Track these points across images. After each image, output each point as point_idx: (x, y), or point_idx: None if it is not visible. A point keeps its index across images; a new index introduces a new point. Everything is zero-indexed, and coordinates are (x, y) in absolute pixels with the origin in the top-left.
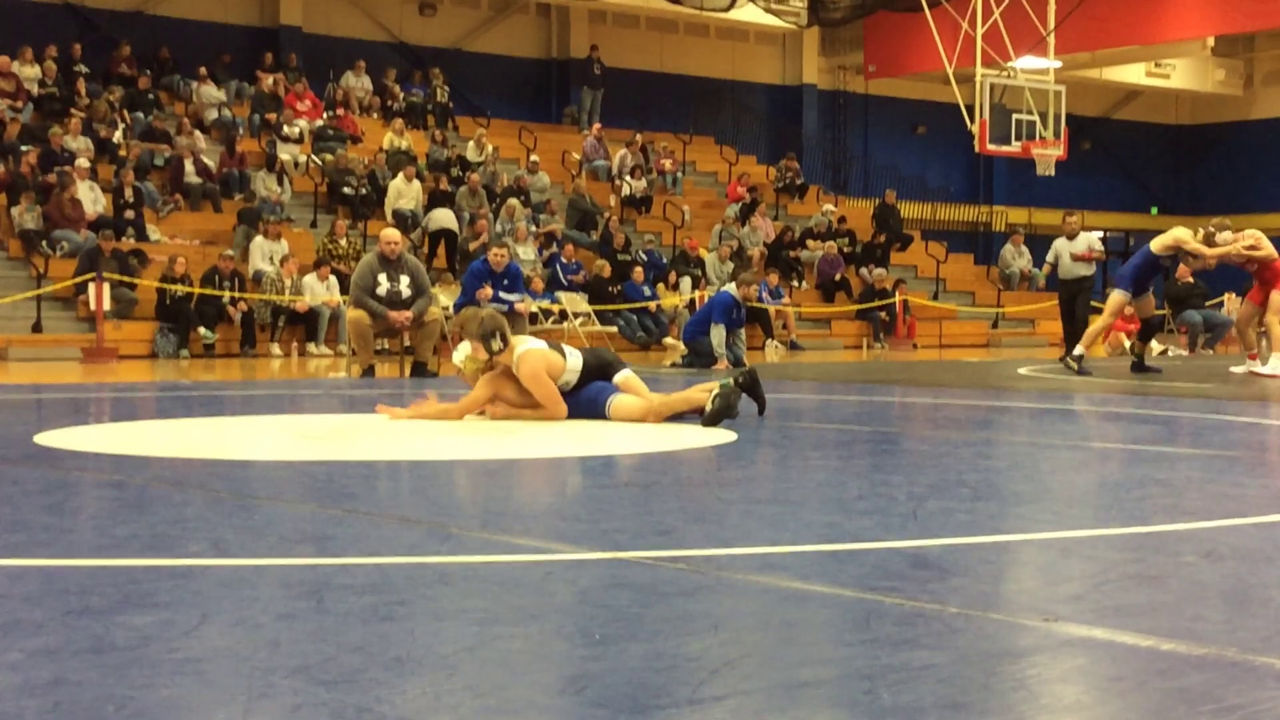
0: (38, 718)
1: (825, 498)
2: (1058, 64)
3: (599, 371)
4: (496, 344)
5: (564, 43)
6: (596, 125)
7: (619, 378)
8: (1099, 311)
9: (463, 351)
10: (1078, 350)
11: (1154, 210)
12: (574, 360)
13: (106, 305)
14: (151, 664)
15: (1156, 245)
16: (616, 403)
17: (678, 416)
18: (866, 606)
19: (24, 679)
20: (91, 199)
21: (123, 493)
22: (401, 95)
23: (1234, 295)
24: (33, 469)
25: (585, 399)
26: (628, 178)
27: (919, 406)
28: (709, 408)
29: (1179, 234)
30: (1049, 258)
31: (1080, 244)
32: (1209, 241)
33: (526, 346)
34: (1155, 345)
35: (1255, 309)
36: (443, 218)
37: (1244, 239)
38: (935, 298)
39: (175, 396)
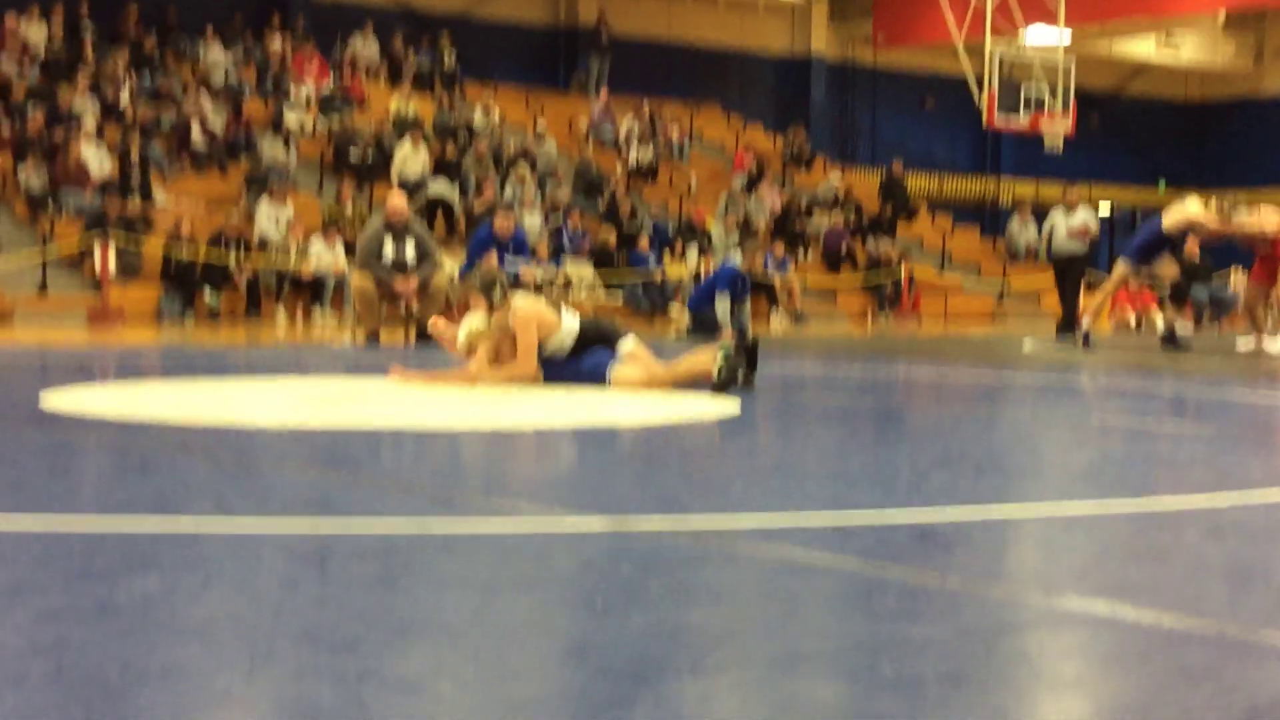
0: (42, 680)
1: (828, 470)
2: (1067, 37)
3: (599, 339)
4: (498, 294)
5: (572, 10)
6: (604, 93)
7: (624, 346)
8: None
9: (465, 328)
10: (1085, 323)
11: (1162, 185)
12: (570, 322)
13: (112, 267)
14: (155, 627)
15: (1168, 222)
16: (619, 371)
17: (684, 385)
18: (869, 579)
19: (28, 641)
20: (98, 161)
21: (126, 457)
22: (410, 59)
23: (1240, 269)
24: (37, 430)
25: (587, 367)
26: (635, 146)
27: (923, 380)
28: (716, 376)
29: (1191, 211)
30: (1044, 230)
31: (1078, 219)
32: (1223, 214)
33: (521, 298)
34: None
35: (1260, 287)
36: (440, 187)
37: (1268, 221)
38: (941, 271)
39: (180, 360)
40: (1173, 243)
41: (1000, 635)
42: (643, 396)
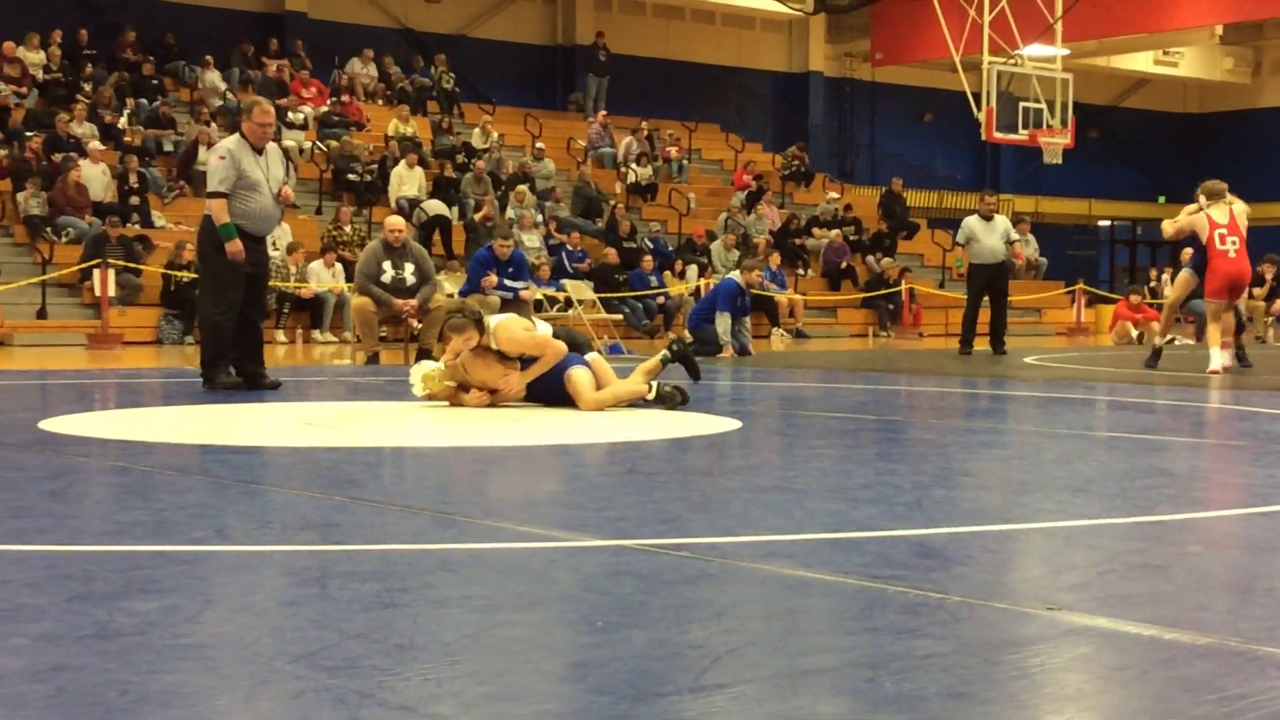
0: (41, 703)
1: (829, 486)
2: (1065, 52)
3: (569, 345)
4: (487, 322)
5: (570, 29)
6: (602, 112)
7: (589, 357)
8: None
9: (418, 374)
10: (1158, 341)
11: (1161, 199)
12: (542, 328)
13: (111, 291)
14: (155, 650)
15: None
16: (573, 371)
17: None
18: (870, 595)
19: (27, 664)
20: (96, 185)
21: (126, 479)
22: (407, 81)
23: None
24: (37, 455)
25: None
26: (633, 165)
27: (924, 395)
28: (651, 396)
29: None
30: (959, 238)
31: (999, 228)
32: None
33: (497, 320)
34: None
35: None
36: (436, 206)
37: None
38: (941, 286)
39: (180, 383)
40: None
41: (1001, 650)
42: (646, 415)
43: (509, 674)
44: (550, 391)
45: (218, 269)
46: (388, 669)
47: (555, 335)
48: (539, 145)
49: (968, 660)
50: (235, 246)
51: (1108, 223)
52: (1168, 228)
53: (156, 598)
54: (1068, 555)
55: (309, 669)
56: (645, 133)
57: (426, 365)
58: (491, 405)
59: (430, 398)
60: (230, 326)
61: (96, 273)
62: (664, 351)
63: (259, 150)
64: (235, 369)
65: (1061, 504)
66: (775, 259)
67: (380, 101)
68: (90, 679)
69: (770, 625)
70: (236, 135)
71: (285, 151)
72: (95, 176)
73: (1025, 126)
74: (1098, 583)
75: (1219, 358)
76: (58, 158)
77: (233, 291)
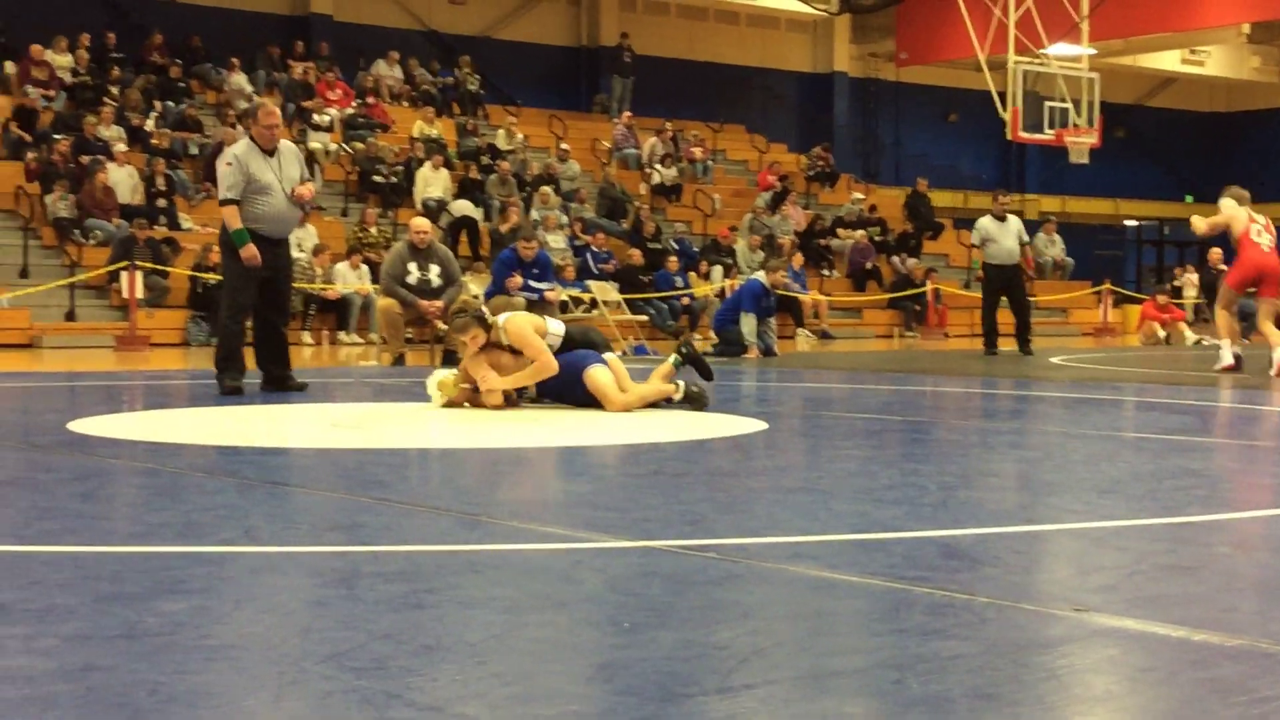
0: (71, 702)
1: (855, 487)
2: (1091, 51)
3: (585, 345)
4: (490, 318)
5: (594, 30)
6: (626, 113)
7: (606, 356)
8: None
9: (433, 383)
10: (1233, 347)
11: (1189, 198)
12: (555, 326)
13: (139, 293)
14: (183, 650)
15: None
16: (594, 371)
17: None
18: (896, 596)
19: (58, 664)
20: (125, 187)
21: (155, 480)
22: (432, 83)
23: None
24: (66, 456)
25: (569, 359)
26: (658, 166)
27: (950, 396)
28: (679, 396)
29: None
30: (974, 239)
31: (1013, 228)
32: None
33: (507, 315)
34: (1189, 335)
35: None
36: (463, 206)
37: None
38: (967, 286)
39: (207, 384)
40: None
41: (1029, 651)
42: (673, 416)
43: (536, 675)
44: (565, 389)
45: (230, 273)
46: (415, 669)
47: (572, 334)
48: (564, 146)
49: (995, 661)
50: (249, 252)
51: (1134, 222)
52: (1200, 224)
53: (185, 598)
54: (1095, 556)
55: (337, 669)
56: (670, 134)
57: (440, 373)
58: (475, 405)
59: (449, 404)
60: (239, 330)
61: (124, 275)
62: (674, 355)
63: (270, 152)
64: (263, 372)
65: (1089, 505)
66: (797, 259)
67: (405, 103)
68: (120, 679)
69: (796, 626)
70: (245, 140)
71: (311, 154)
72: (122, 179)
73: (1051, 126)
74: (1126, 584)
75: (1229, 354)
76: (85, 160)
77: (242, 295)
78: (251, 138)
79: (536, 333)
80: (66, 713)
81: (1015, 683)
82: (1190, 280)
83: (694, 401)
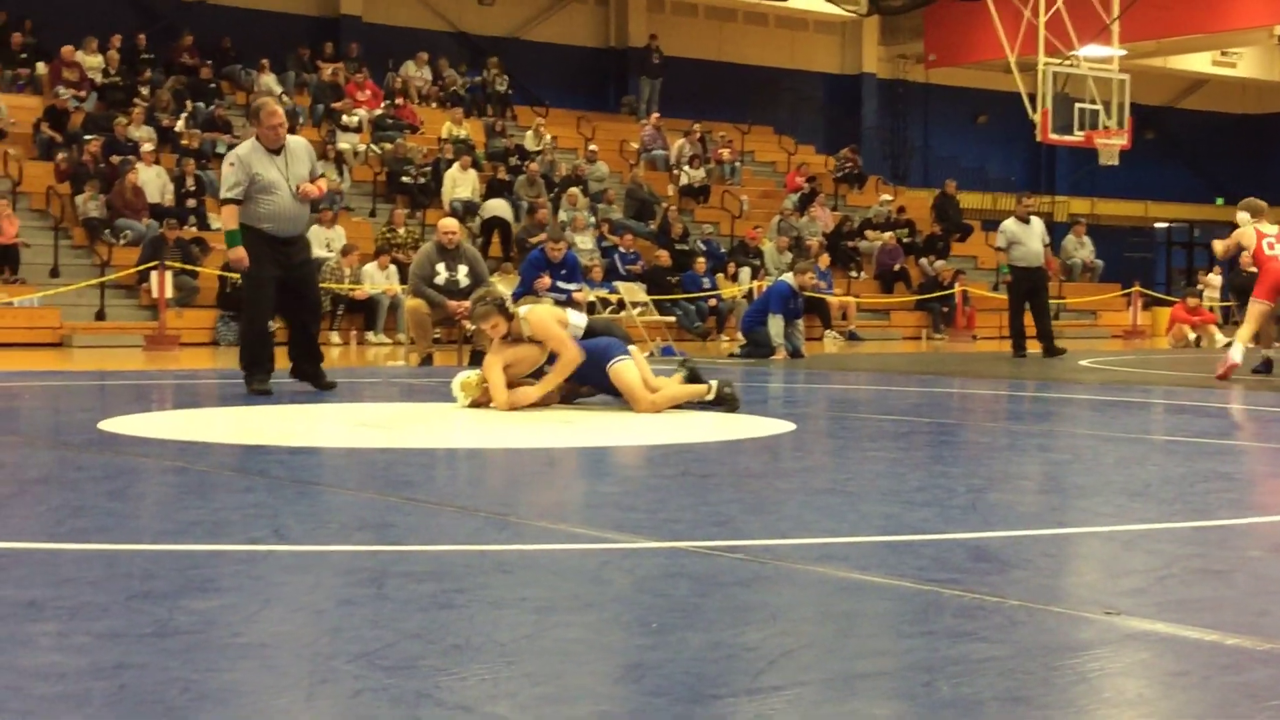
0: (104, 699)
1: (883, 489)
2: (1122, 52)
3: (606, 335)
4: (511, 308)
5: (622, 32)
6: (655, 114)
7: (630, 349)
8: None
9: (457, 384)
10: (1268, 352)
11: (1219, 201)
12: (577, 318)
13: (169, 293)
14: (215, 648)
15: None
16: (621, 368)
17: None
18: (925, 598)
19: (90, 661)
20: (154, 188)
21: (185, 479)
22: (460, 83)
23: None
24: (97, 455)
25: (595, 347)
26: (686, 167)
27: (978, 398)
28: (710, 396)
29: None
30: (1000, 242)
31: (1037, 230)
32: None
33: (529, 305)
34: (1219, 337)
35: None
36: (496, 207)
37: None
38: (995, 289)
39: (236, 384)
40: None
41: (1060, 654)
42: (698, 417)
43: (565, 675)
44: (591, 372)
45: (244, 276)
46: (445, 669)
47: (594, 328)
48: (592, 147)
49: (1026, 664)
50: (237, 254)
51: (1164, 225)
52: (1217, 247)
53: (215, 596)
54: (1126, 560)
55: (367, 668)
56: (698, 135)
57: (465, 374)
58: (513, 407)
59: (474, 405)
60: (259, 331)
61: (154, 275)
62: (682, 372)
63: (276, 150)
64: (293, 370)
65: (1119, 508)
66: (824, 260)
67: (434, 104)
68: (151, 676)
69: (825, 628)
70: (251, 140)
71: (340, 155)
72: (152, 179)
73: (1081, 128)
74: (1157, 587)
75: (1239, 353)
76: (116, 160)
77: (258, 297)
78: (257, 137)
79: (559, 324)
80: (99, 710)
81: (1046, 686)
82: (1209, 283)
83: (726, 402)
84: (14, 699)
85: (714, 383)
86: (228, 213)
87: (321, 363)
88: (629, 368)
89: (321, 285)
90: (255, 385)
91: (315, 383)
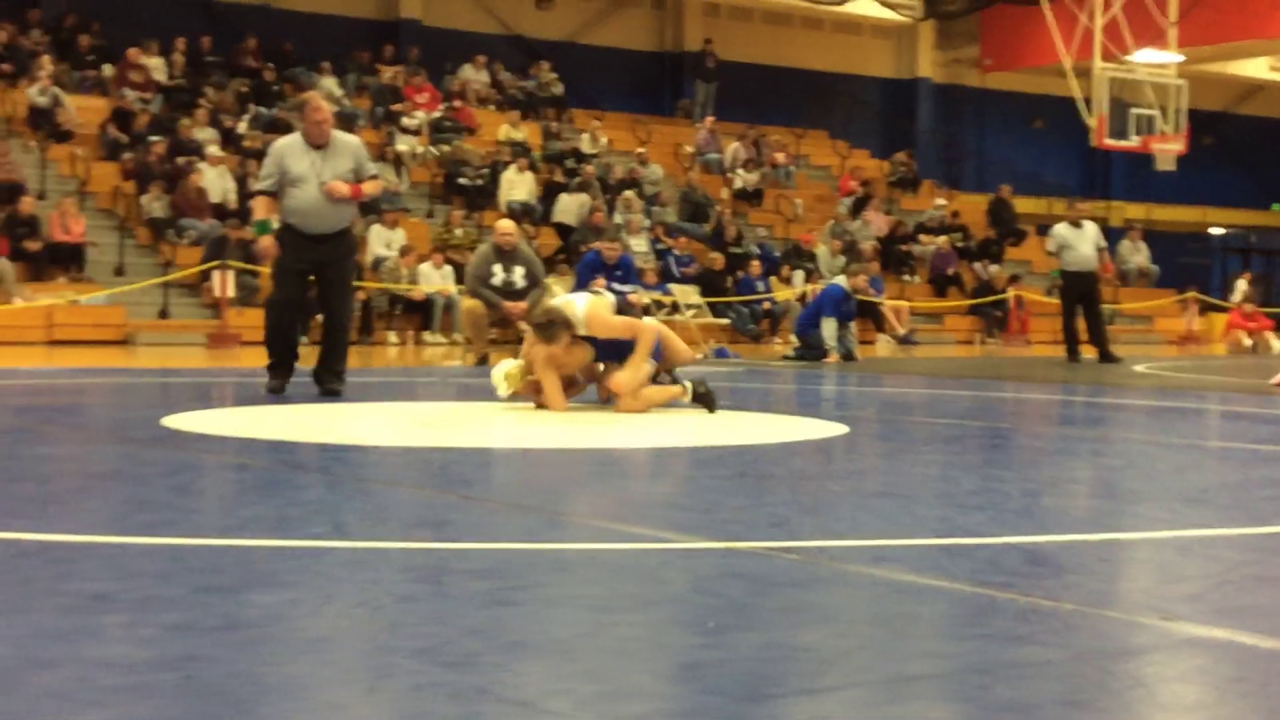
0: (171, 692)
1: (937, 492)
2: (1179, 57)
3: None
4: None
5: (678, 35)
6: (710, 118)
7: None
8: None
9: (499, 374)
10: None
11: (1275, 207)
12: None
13: (230, 292)
14: (279, 641)
15: None
16: (619, 374)
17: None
18: (980, 601)
19: (158, 653)
20: (217, 189)
21: (246, 475)
22: (517, 86)
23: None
24: (161, 450)
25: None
26: (740, 171)
27: (1032, 403)
28: (688, 398)
29: None
30: (1050, 247)
31: (1089, 235)
32: None
33: (581, 306)
34: (1276, 344)
35: None
36: (567, 209)
37: None
38: (1049, 293)
39: (295, 382)
40: None
41: (1116, 659)
42: (751, 419)
43: (622, 673)
44: (625, 348)
45: (272, 267)
46: (504, 665)
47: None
48: (640, 150)
49: (1082, 669)
50: (263, 243)
51: (1220, 230)
52: None
53: (278, 591)
54: (1182, 565)
55: (427, 663)
56: (752, 139)
57: (506, 364)
58: (539, 405)
59: (515, 395)
60: (275, 324)
61: (216, 274)
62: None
63: (319, 146)
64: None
65: (1175, 514)
66: (875, 265)
67: (491, 107)
68: (217, 669)
69: (880, 630)
70: (296, 134)
71: (399, 157)
72: (215, 180)
73: (1137, 133)
74: (1214, 593)
75: None
76: (180, 161)
77: (279, 289)
78: (303, 132)
79: (610, 310)
80: (167, 701)
81: (1103, 690)
82: (1240, 286)
83: (703, 400)
84: (82, 689)
85: (688, 383)
86: (258, 202)
87: (337, 368)
88: (628, 375)
89: (379, 285)
90: (269, 382)
91: (318, 383)
